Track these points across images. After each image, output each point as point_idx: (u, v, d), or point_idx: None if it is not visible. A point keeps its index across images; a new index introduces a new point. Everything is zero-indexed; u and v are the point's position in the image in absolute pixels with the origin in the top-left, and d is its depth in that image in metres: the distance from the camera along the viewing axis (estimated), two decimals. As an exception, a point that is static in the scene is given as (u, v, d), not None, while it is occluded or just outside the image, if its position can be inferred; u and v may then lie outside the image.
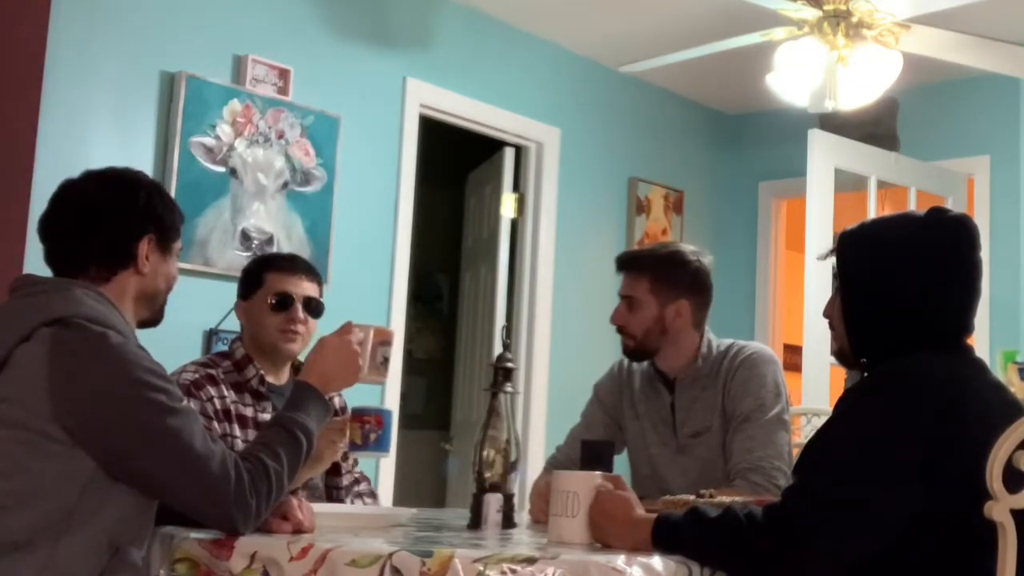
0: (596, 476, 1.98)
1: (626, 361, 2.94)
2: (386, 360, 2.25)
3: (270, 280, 2.64)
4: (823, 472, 1.85)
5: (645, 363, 2.87)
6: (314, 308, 2.67)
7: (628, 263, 2.84)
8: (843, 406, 1.95)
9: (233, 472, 1.86)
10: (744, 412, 2.68)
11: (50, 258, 2.02)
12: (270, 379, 2.65)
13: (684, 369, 2.78)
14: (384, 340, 2.24)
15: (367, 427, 2.34)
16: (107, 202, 2.02)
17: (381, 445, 2.40)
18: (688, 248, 2.85)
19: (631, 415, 2.87)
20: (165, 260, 2.05)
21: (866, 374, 2.06)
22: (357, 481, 2.79)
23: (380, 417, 2.38)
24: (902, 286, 2.01)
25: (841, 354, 2.11)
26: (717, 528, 1.81)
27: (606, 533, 1.89)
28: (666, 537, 1.83)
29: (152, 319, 2.09)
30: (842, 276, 2.09)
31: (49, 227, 2.02)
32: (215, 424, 2.48)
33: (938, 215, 2.06)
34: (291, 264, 2.71)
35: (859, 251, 2.08)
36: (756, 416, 2.67)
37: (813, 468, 1.88)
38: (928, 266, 2.01)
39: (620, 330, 2.80)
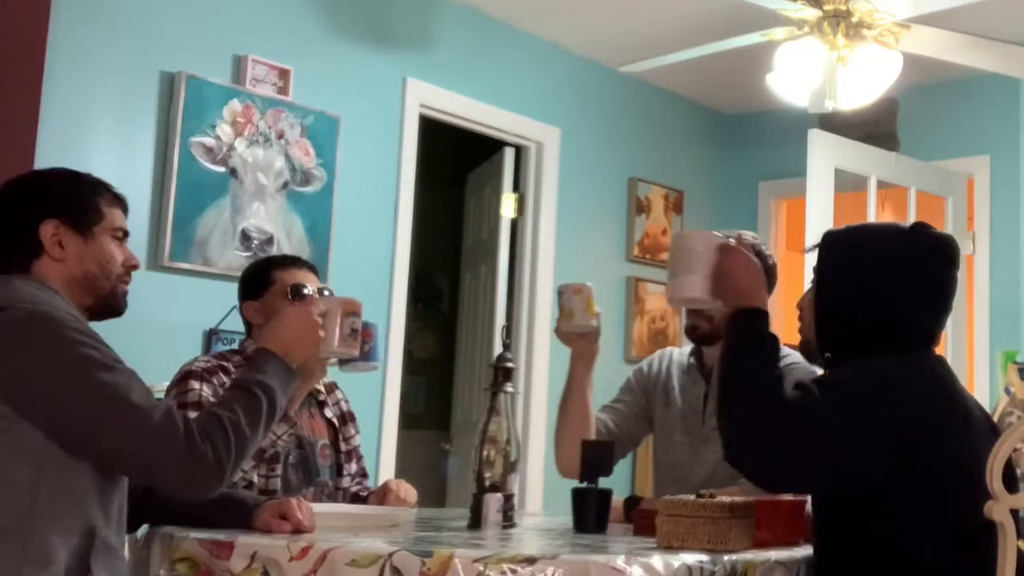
0: (717, 235, 2.09)
1: (668, 352, 3.00)
2: (355, 331, 2.22)
3: (281, 277, 2.68)
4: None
5: (685, 354, 2.92)
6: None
7: None
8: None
9: (181, 423, 1.84)
10: None
11: None
12: None
13: None
14: (351, 311, 2.23)
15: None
16: (5, 194, 2.04)
17: (372, 356, 2.39)
18: None
19: (662, 402, 2.91)
20: (87, 243, 2.02)
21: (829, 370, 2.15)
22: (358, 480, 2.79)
23: (368, 329, 2.36)
24: (874, 293, 2.09)
25: (806, 346, 2.24)
26: (760, 373, 1.96)
27: (725, 288, 2.05)
28: (742, 330, 2.01)
29: (101, 307, 2.05)
30: (820, 273, 2.15)
31: None
32: None
33: (923, 230, 2.15)
34: (295, 262, 2.78)
35: (840, 252, 2.16)
36: None
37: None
38: (902, 277, 2.09)
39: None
